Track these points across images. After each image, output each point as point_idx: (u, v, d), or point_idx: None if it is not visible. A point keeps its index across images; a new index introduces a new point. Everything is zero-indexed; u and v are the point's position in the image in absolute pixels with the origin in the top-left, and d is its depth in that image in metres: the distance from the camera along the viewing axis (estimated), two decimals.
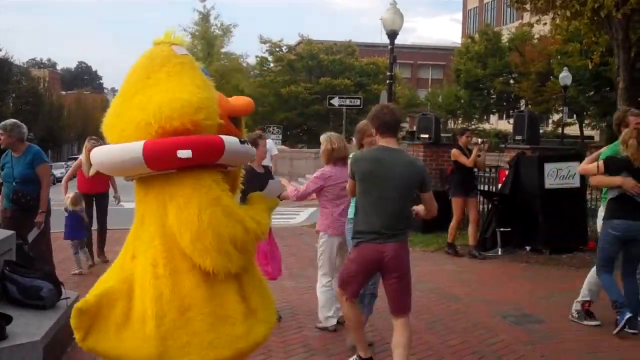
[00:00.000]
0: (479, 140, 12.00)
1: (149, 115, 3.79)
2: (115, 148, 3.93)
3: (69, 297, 6.44)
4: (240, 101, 4.37)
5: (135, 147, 3.79)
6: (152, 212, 3.96)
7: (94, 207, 11.08)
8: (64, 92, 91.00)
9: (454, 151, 11.69)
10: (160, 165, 3.82)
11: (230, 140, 3.95)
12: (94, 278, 9.59)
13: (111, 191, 11.37)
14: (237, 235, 3.89)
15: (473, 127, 52.81)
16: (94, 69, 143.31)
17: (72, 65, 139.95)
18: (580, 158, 10.47)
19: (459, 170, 11.60)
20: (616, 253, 7.21)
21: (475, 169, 11.85)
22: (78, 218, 10.35)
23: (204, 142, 3.85)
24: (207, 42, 50.91)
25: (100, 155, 4.10)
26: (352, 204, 6.23)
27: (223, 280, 3.91)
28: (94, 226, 11.21)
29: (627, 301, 7.05)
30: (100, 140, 10.99)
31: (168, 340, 3.75)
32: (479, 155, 11.60)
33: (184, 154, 3.74)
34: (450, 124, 54.38)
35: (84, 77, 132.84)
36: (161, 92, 3.89)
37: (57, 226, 9.92)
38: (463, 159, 11.45)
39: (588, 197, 12.34)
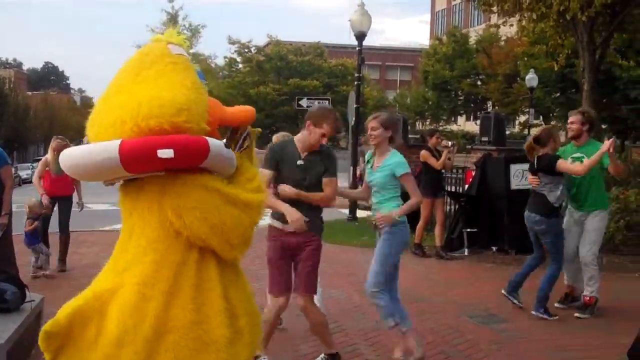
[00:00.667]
0: (449, 142, 12.01)
1: (125, 112, 3.51)
2: (88, 148, 3.60)
3: (34, 300, 6.37)
4: (238, 111, 4.08)
5: (110, 147, 3.45)
6: (145, 223, 3.65)
7: (57, 210, 10.77)
8: (30, 93, 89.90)
9: (424, 152, 11.66)
10: (139, 167, 3.50)
11: (214, 143, 3.65)
12: (59, 281, 9.48)
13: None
14: (247, 227, 3.82)
15: (441, 128, 53.19)
16: (60, 69, 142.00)
17: (39, 65, 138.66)
18: None
19: (428, 171, 11.62)
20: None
21: (443, 170, 11.91)
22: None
23: (188, 142, 3.53)
24: None
25: (71, 157, 3.67)
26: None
27: (212, 302, 3.67)
28: (54, 229, 10.85)
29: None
30: (67, 140, 10.86)
31: None
32: (448, 159, 11.65)
33: (165, 153, 3.42)
34: (419, 125, 54.69)
35: (50, 78, 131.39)
36: (145, 89, 3.63)
37: (19, 229, 9.77)
38: (432, 161, 11.47)
39: None
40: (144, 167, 3.51)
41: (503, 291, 8.36)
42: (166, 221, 3.57)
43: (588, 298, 8.04)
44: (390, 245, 6.13)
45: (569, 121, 8.28)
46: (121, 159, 3.42)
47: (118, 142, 3.43)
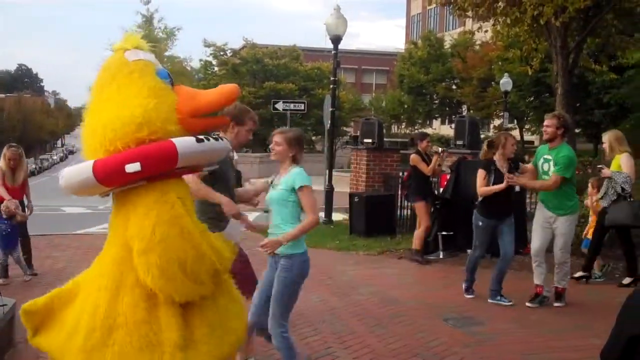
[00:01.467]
0: (439, 149, 11.92)
1: (96, 140, 3.77)
2: (75, 169, 3.84)
3: (6, 305, 6.31)
4: (216, 96, 4.08)
5: (86, 168, 3.73)
6: (117, 224, 3.89)
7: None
8: (3, 95, 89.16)
9: (414, 157, 11.45)
10: (114, 182, 3.71)
11: (183, 143, 3.74)
12: (32, 284, 9.39)
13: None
14: (188, 260, 3.67)
15: (416, 131, 53.37)
16: (34, 72, 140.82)
17: (12, 67, 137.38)
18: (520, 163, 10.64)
19: (418, 176, 11.49)
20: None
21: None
22: (14, 228, 9.87)
23: (152, 151, 3.66)
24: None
25: (65, 178, 3.89)
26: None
27: (166, 305, 3.72)
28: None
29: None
30: (21, 147, 10.57)
31: (93, 356, 3.65)
32: (439, 165, 11.57)
33: (132, 167, 3.60)
34: (394, 129, 54.82)
35: (24, 80, 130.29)
36: (108, 109, 3.79)
37: None
38: (423, 166, 11.33)
39: (527, 201, 12.52)
40: (119, 182, 3.71)
41: (490, 300, 8.73)
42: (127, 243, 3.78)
43: (561, 288, 8.53)
44: (286, 285, 5.38)
45: (544, 124, 8.47)
46: (96, 178, 3.69)
47: (91, 163, 3.72)
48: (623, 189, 9.23)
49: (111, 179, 3.68)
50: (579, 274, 9.89)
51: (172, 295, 3.70)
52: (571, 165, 8.26)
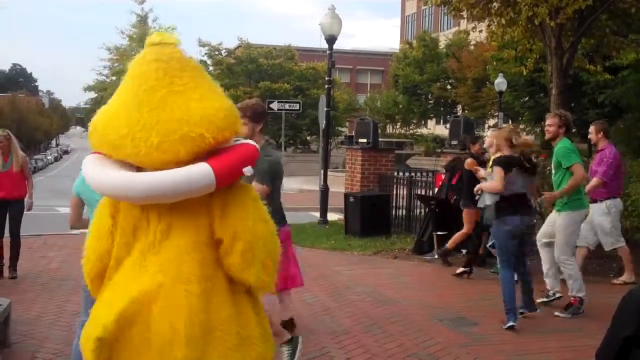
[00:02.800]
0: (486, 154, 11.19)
1: (198, 126, 3.48)
2: (187, 175, 3.48)
3: (1, 305, 6.30)
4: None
5: (205, 172, 3.47)
6: (187, 224, 3.62)
7: (7, 214, 9.92)
8: None
9: (470, 160, 10.48)
10: (226, 184, 3.58)
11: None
12: (27, 285, 9.36)
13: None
14: (276, 252, 3.76)
15: (411, 131, 53.49)
16: (29, 72, 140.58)
17: (6, 67, 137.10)
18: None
19: (470, 180, 10.46)
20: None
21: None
22: None
23: (253, 151, 3.69)
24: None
25: (157, 184, 3.52)
26: None
27: (243, 299, 3.71)
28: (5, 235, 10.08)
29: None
30: (11, 134, 10.25)
31: None
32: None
33: (248, 170, 3.58)
34: (389, 129, 54.87)
35: (18, 80, 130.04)
36: (196, 100, 3.59)
37: None
38: (481, 174, 9.81)
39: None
40: (227, 184, 3.60)
41: (522, 311, 7.95)
42: (209, 226, 3.62)
43: (572, 299, 8.21)
44: None
45: (546, 123, 8.41)
46: (217, 182, 3.48)
47: (207, 166, 3.48)
48: None
49: (225, 181, 3.57)
50: (460, 269, 10.36)
51: (269, 284, 3.72)
52: (569, 154, 8.02)
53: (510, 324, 7.46)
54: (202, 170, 3.48)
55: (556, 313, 8.17)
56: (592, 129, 9.80)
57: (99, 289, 3.71)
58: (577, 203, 8.25)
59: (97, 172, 3.62)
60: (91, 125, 3.68)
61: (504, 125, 32.37)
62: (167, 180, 3.49)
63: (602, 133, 9.67)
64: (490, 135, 9.25)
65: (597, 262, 10.50)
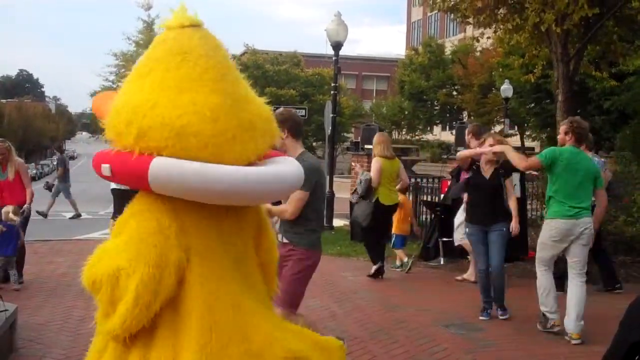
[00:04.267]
0: None
1: (271, 123, 3.39)
2: (282, 174, 3.29)
3: (7, 310, 6.31)
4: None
5: (295, 170, 3.36)
6: (246, 240, 3.45)
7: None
8: (4, 100, 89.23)
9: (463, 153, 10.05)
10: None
11: None
12: (33, 290, 9.38)
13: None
14: None
15: (417, 137, 53.45)
16: (35, 77, 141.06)
17: (13, 72, 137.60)
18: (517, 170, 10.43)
19: None
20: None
21: None
22: (12, 231, 9.30)
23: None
24: None
25: (287, 181, 3.35)
26: None
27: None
28: None
29: None
30: (8, 142, 10.28)
31: None
32: None
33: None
34: (395, 135, 54.85)
35: (25, 85, 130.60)
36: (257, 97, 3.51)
37: None
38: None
39: (529, 207, 12.53)
40: None
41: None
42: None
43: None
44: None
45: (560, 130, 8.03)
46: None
47: (296, 163, 3.49)
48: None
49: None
50: (373, 268, 10.49)
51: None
52: (548, 152, 7.67)
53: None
54: (290, 170, 3.33)
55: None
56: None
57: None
58: (554, 212, 7.58)
59: (207, 167, 3.02)
60: (142, 115, 3.12)
61: (510, 132, 32.25)
62: (291, 175, 3.34)
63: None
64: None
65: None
